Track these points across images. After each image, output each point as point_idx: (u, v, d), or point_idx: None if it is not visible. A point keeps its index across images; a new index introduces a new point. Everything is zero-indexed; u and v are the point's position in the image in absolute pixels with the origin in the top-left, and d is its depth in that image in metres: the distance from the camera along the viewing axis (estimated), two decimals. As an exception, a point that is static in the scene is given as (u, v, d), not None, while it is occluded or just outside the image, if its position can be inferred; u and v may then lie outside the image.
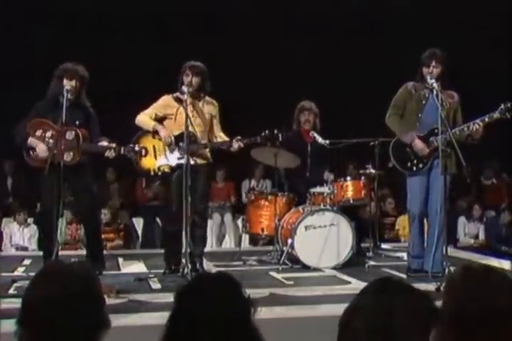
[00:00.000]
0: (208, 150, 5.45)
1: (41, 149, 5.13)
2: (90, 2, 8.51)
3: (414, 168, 5.19)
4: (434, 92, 5.03)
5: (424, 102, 5.21)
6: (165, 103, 5.40)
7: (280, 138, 5.27)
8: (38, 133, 5.15)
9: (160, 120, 5.39)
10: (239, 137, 5.29)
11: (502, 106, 4.91)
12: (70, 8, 8.44)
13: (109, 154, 5.05)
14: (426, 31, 9.07)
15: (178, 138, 5.28)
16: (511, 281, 1.91)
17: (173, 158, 5.32)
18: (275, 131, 5.24)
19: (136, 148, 5.04)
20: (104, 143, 5.17)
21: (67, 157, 5.04)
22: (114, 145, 5.09)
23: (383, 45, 9.14)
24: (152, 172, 5.42)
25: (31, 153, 5.18)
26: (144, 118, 5.39)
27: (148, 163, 5.36)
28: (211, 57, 8.40)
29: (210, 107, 5.44)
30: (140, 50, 8.70)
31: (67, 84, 5.11)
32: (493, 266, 5.04)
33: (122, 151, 5.03)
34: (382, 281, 1.83)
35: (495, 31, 9.06)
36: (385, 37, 9.15)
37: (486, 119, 4.98)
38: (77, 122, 5.17)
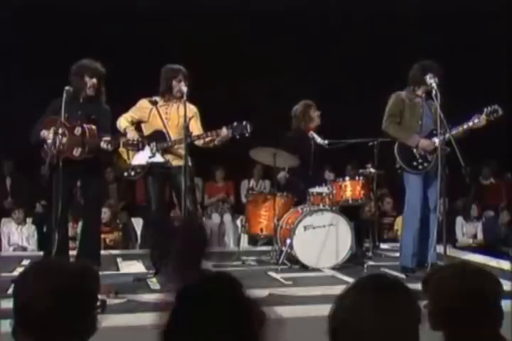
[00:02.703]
0: (182, 151, 5.37)
1: (48, 135, 5.15)
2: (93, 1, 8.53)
3: (420, 167, 5.40)
4: (433, 92, 5.17)
5: (421, 110, 5.43)
6: (140, 106, 5.46)
7: (249, 129, 5.14)
8: (52, 130, 5.17)
9: (137, 123, 5.43)
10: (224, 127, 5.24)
11: (486, 109, 5.30)
12: (71, 7, 8.44)
13: (104, 145, 5.07)
14: (425, 33, 9.11)
15: (150, 137, 5.32)
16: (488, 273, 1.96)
17: (145, 157, 5.33)
18: (243, 122, 5.16)
19: (134, 141, 5.07)
20: (105, 138, 5.17)
21: (76, 152, 5.10)
22: (108, 138, 5.12)
23: (383, 45, 9.15)
24: (126, 173, 5.45)
25: (45, 146, 5.21)
26: (121, 121, 5.43)
27: (122, 164, 5.42)
28: (210, 56, 8.49)
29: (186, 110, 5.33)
30: (140, 48, 8.71)
31: (89, 82, 5.19)
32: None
33: (121, 145, 5.11)
34: (375, 280, 1.84)
35: (495, 31, 9.07)
36: (384, 37, 9.16)
37: (475, 122, 5.34)
38: (92, 116, 5.24)
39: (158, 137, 5.31)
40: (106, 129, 5.31)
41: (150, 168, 5.34)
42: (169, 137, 5.32)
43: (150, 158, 5.31)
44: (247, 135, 5.18)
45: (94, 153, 5.20)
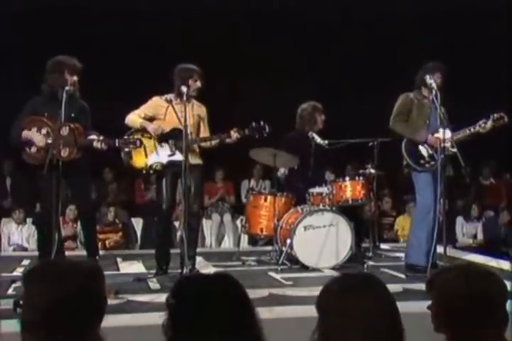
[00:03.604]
0: (198, 150, 5.44)
1: (37, 139, 5.04)
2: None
3: (427, 165, 5.38)
4: (433, 92, 5.22)
5: (429, 110, 5.43)
6: (155, 103, 5.42)
7: (267, 130, 5.29)
8: (33, 130, 5.09)
9: (149, 120, 5.38)
10: (235, 129, 5.32)
11: (492, 116, 5.29)
12: (71, 7, 8.45)
13: (98, 145, 4.96)
14: (425, 32, 9.11)
15: (168, 135, 5.30)
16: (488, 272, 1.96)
17: (164, 155, 5.30)
18: (261, 123, 5.28)
19: (131, 140, 5.00)
20: (94, 137, 5.10)
21: (64, 153, 4.99)
22: (101, 137, 5.02)
23: (382, 45, 9.15)
24: (144, 171, 5.39)
25: (27, 149, 5.13)
26: (133, 117, 5.38)
27: (139, 161, 5.31)
28: (210, 55, 8.49)
29: (198, 109, 5.45)
30: (140, 47, 8.72)
31: (70, 79, 5.07)
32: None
33: (117, 144, 4.97)
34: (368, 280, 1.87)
35: (494, 30, 9.07)
36: (384, 37, 9.16)
37: (481, 128, 5.33)
38: (72, 115, 5.11)
39: (177, 135, 5.25)
40: (88, 126, 5.23)
41: (165, 166, 5.29)
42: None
43: (170, 156, 5.28)
44: (265, 135, 5.30)
45: (83, 152, 5.10)
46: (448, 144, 5.23)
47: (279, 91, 8.66)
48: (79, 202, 5.44)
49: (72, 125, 5.03)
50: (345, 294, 1.80)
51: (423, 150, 5.41)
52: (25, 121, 5.12)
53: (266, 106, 8.51)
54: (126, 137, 5.10)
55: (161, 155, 5.31)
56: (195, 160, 5.26)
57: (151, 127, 5.28)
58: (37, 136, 5.07)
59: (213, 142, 5.44)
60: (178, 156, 5.24)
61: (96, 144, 4.98)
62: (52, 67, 5.13)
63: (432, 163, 5.36)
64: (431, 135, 5.36)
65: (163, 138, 5.31)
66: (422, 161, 5.40)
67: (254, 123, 5.30)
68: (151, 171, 5.34)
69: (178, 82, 5.32)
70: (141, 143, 5.06)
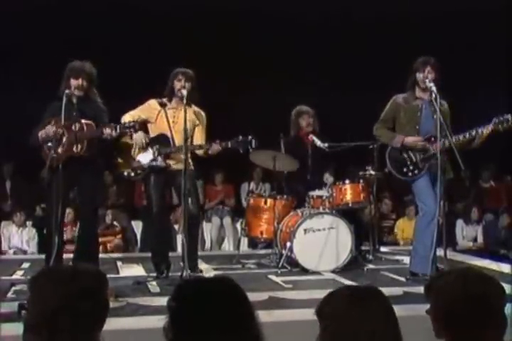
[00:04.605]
0: (183, 156, 5.38)
1: (49, 129, 5.09)
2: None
3: (410, 174, 5.26)
4: (433, 95, 5.05)
5: (419, 114, 5.28)
6: (149, 106, 5.44)
7: (253, 145, 5.14)
8: (51, 126, 5.13)
9: (145, 123, 5.39)
10: (218, 140, 5.25)
11: (495, 119, 4.94)
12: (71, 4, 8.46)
13: (109, 132, 4.97)
14: (425, 32, 9.10)
15: (154, 140, 5.32)
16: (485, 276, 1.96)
17: (146, 160, 5.33)
18: (249, 137, 5.14)
19: (131, 124, 5.01)
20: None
21: (76, 149, 5.05)
22: (111, 124, 5.05)
23: (383, 45, 9.15)
24: (126, 173, 5.43)
25: (45, 147, 5.16)
26: (127, 119, 5.36)
27: (124, 165, 5.39)
28: (210, 56, 8.50)
29: (193, 115, 5.40)
30: (140, 47, 8.73)
31: (74, 83, 5.14)
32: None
33: (119, 129, 5.00)
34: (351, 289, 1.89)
35: (494, 30, 9.07)
36: (384, 37, 9.16)
37: (480, 131, 5.01)
38: (88, 115, 5.17)
39: (162, 140, 5.29)
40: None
41: (148, 171, 5.33)
42: (173, 141, 5.29)
43: (151, 161, 5.30)
44: (251, 151, 5.22)
45: (95, 148, 5.12)
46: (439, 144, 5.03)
47: (279, 91, 8.65)
48: (83, 201, 5.42)
49: (83, 121, 5.09)
50: (350, 306, 1.81)
51: (407, 158, 5.27)
52: (43, 126, 5.17)
53: (266, 106, 8.51)
54: (125, 122, 5.10)
55: (144, 159, 5.34)
56: (180, 165, 5.11)
57: (135, 135, 5.27)
58: (48, 128, 5.11)
59: (200, 152, 5.38)
60: (160, 162, 5.28)
61: (107, 131, 4.97)
62: (64, 73, 5.22)
63: (416, 171, 5.22)
64: (409, 137, 5.22)
65: (150, 143, 5.32)
66: (404, 170, 5.26)
67: (240, 137, 5.16)
68: (133, 173, 5.38)
69: (167, 86, 5.37)
70: (140, 126, 5.10)
